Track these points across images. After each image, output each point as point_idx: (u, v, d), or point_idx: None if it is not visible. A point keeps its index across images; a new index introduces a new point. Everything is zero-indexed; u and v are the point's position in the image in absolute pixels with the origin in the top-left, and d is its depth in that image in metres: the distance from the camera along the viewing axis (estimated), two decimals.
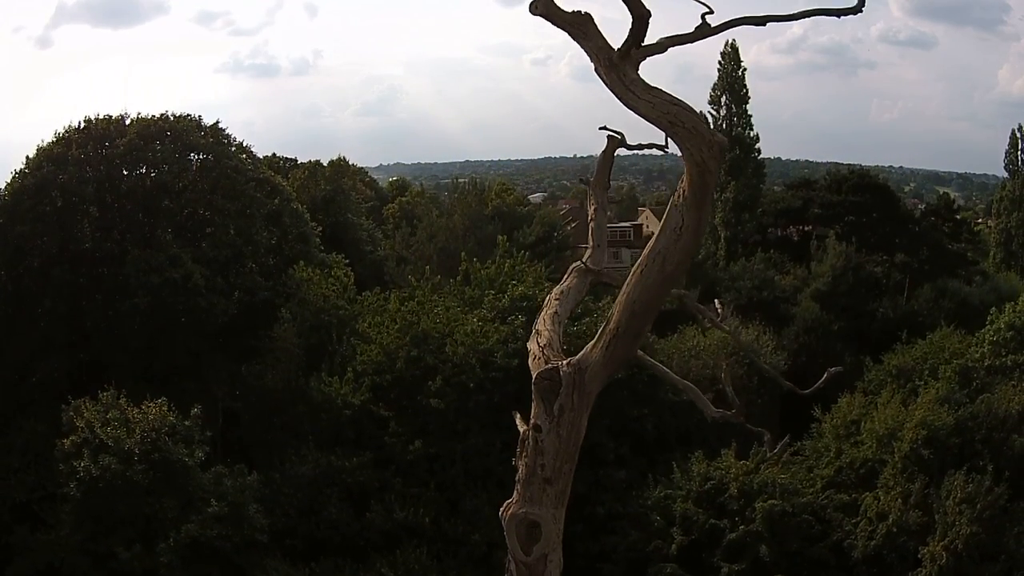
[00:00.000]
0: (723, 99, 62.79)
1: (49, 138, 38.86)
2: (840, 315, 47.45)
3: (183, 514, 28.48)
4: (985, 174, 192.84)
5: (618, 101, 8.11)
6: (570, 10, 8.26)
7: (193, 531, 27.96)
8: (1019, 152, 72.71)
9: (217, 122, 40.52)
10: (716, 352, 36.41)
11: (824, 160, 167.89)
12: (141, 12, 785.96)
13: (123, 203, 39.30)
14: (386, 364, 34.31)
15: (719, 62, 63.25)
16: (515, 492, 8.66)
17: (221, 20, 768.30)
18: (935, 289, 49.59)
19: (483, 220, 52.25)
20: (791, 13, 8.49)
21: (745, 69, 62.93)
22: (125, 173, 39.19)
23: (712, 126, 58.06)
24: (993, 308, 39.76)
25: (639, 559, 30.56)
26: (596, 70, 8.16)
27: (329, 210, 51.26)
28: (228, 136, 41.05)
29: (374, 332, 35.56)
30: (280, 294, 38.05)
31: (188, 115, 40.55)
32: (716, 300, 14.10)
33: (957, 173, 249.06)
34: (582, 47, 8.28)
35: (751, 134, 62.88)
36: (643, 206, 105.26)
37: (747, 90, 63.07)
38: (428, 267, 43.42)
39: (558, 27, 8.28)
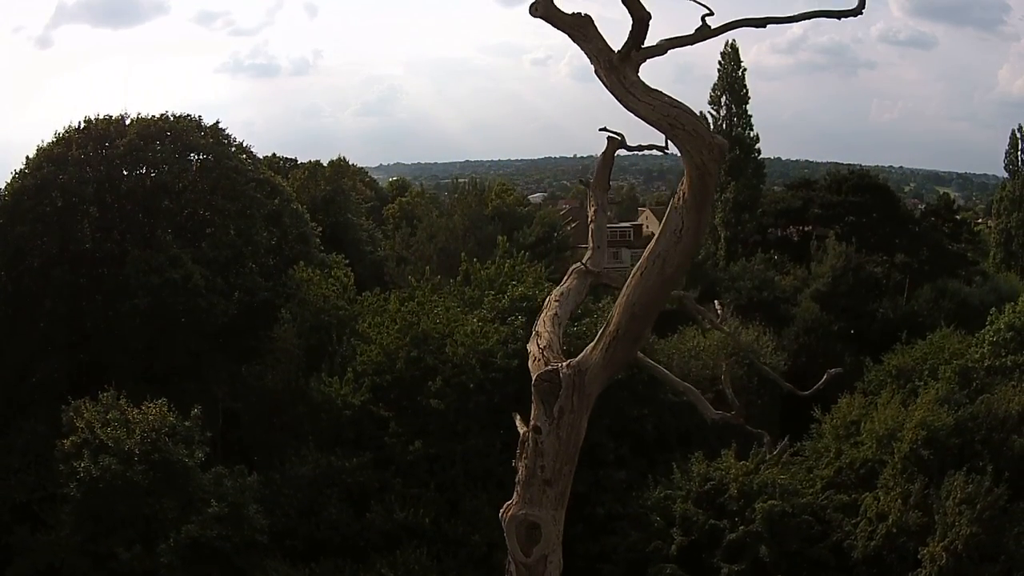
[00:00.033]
0: (723, 99, 62.79)
1: (49, 138, 39.02)
2: (840, 315, 47.45)
3: (183, 515, 28.48)
4: (985, 174, 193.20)
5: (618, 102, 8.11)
6: (570, 12, 8.24)
7: (193, 532, 27.95)
8: (1019, 152, 72.75)
9: (217, 122, 40.68)
10: (716, 353, 36.35)
11: (824, 160, 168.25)
12: (141, 12, 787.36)
13: (123, 203, 39.32)
14: (386, 364, 34.28)
15: (719, 62, 63.32)
16: (515, 493, 8.64)
17: (221, 20, 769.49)
18: (935, 289, 49.59)
19: (483, 220, 52.13)
20: (791, 15, 8.50)
21: (745, 69, 63.10)
22: (125, 173, 39.22)
23: (712, 126, 58.74)
24: (993, 308, 39.80)
25: (639, 560, 30.55)
26: (596, 72, 8.14)
27: (329, 210, 51.32)
28: (228, 136, 41.13)
29: (374, 332, 35.52)
30: (280, 294, 38.04)
31: (188, 115, 40.67)
32: (716, 301, 14.11)
33: (957, 173, 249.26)
34: (582, 49, 8.25)
35: (751, 134, 62.87)
36: (643, 206, 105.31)
37: (747, 90, 63.20)
38: (428, 267, 43.34)
39: (558, 29, 8.26)
